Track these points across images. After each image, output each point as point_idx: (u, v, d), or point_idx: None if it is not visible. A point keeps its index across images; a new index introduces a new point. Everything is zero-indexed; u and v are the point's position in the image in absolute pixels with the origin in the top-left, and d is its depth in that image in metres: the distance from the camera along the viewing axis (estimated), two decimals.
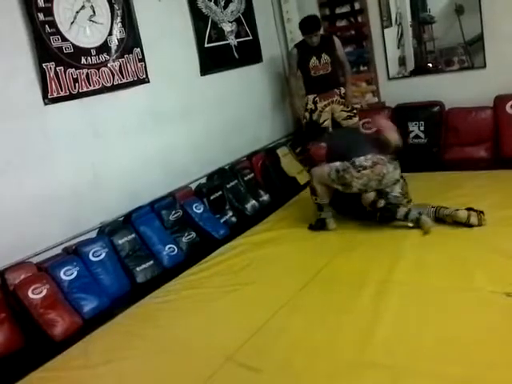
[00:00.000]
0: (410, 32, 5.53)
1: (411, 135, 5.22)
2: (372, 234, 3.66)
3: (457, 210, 3.48)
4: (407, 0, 5.49)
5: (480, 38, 4.95)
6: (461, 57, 5.27)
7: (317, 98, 4.89)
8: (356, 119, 4.99)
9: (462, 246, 3.21)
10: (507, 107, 4.81)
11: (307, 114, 4.96)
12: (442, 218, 3.53)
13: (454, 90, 5.06)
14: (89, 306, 3.26)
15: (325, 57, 4.79)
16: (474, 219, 3.41)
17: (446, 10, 5.35)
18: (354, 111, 4.99)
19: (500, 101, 4.85)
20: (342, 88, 4.91)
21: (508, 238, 3.20)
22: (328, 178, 3.74)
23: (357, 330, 2.56)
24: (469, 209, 3.47)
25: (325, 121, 4.91)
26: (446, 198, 3.95)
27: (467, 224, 3.40)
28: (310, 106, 4.92)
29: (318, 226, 3.91)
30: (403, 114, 5.28)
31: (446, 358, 2.23)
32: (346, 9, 5.48)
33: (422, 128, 5.17)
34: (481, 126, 4.91)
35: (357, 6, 5.41)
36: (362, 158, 3.65)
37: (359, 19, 5.42)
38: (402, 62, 5.63)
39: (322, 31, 4.88)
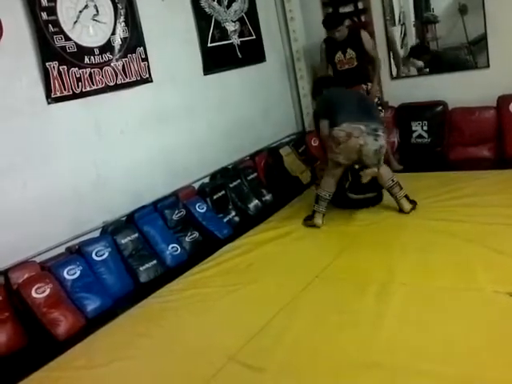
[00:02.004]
0: (414, 32, 5.51)
1: (414, 135, 5.21)
2: (374, 235, 3.67)
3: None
4: (411, 0, 5.47)
5: (483, 38, 4.94)
6: (464, 57, 5.25)
7: None
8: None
9: (464, 246, 3.20)
10: (511, 107, 4.80)
11: None
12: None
13: (458, 89, 5.05)
14: (92, 305, 3.26)
15: (350, 51, 4.79)
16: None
17: (450, 10, 5.31)
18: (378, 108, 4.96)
19: (503, 100, 4.84)
20: (369, 84, 4.89)
21: (506, 238, 3.20)
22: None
23: (359, 329, 2.56)
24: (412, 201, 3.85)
25: None
26: (450, 198, 3.96)
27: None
28: None
29: (309, 217, 3.98)
30: (406, 113, 5.28)
31: (448, 358, 2.22)
32: (349, 8, 5.46)
33: (425, 128, 5.16)
34: (484, 126, 4.90)
35: (360, 5, 5.40)
36: (336, 128, 3.75)
37: (362, 19, 5.40)
38: (405, 62, 5.60)
39: (345, 26, 4.86)
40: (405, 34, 5.56)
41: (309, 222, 4.01)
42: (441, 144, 5.12)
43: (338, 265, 3.33)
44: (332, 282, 3.13)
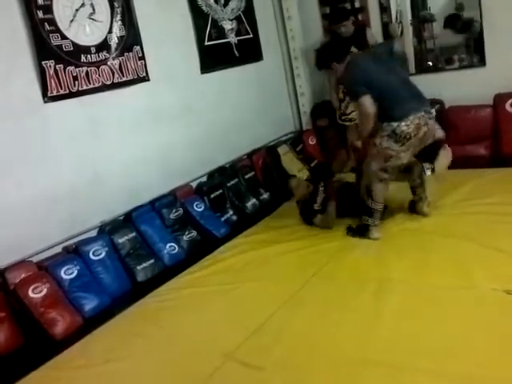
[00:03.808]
0: (411, 30, 5.51)
1: None
2: None
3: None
4: None
5: (480, 36, 4.95)
6: (461, 55, 5.26)
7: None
8: None
9: (462, 245, 3.20)
10: (507, 105, 4.80)
11: (338, 104, 4.97)
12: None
13: (454, 88, 5.04)
14: (89, 305, 3.25)
15: (354, 49, 4.78)
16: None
17: (447, 8, 5.33)
18: None
19: (500, 99, 4.85)
20: None
21: (508, 236, 3.20)
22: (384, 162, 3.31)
23: (358, 327, 2.56)
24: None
25: (352, 112, 4.87)
26: (446, 196, 3.97)
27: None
28: (340, 96, 4.90)
29: (360, 231, 3.57)
30: None
31: (447, 355, 2.22)
32: (347, 6, 5.46)
33: None
34: (481, 124, 4.90)
35: (357, 4, 5.40)
36: (403, 123, 3.22)
37: (360, 17, 5.40)
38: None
39: (351, 22, 4.86)
40: (402, 33, 5.57)
41: (362, 236, 3.55)
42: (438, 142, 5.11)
43: (336, 263, 3.33)
44: (330, 280, 3.13)
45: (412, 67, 5.39)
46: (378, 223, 3.53)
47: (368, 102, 3.23)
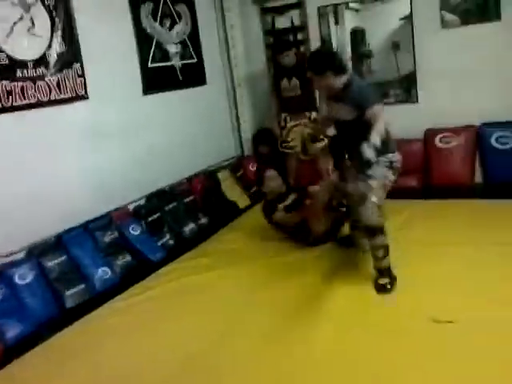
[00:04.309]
0: (350, 65, 5.71)
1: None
2: (309, 261, 3.69)
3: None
4: (347, 34, 5.68)
5: (413, 74, 5.21)
6: (396, 90, 5.50)
7: (287, 117, 4.98)
8: (323, 143, 5.01)
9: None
10: (436, 140, 5.06)
11: (279, 132, 5.06)
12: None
13: (390, 121, 5.22)
14: (11, 332, 3.07)
15: (294, 80, 4.87)
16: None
17: (384, 46, 5.56)
18: (321, 136, 5.02)
19: (430, 134, 5.11)
20: (313, 112, 4.98)
21: (434, 264, 3.35)
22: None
23: (294, 357, 2.56)
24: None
25: (292, 140, 4.98)
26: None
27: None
28: (282, 124, 5.01)
29: (392, 282, 3.13)
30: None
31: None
32: (289, 38, 5.60)
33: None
34: (412, 157, 5.08)
35: (300, 36, 5.56)
36: (396, 154, 3.23)
37: (302, 49, 5.55)
38: None
39: (294, 53, 4.92)
40: None
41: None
42: None
43: (269, 293, 3.30)
44: (264, 309, 3.10)
45: None
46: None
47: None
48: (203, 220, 4.71)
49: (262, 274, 3.61)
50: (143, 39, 4.69)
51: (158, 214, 4.38)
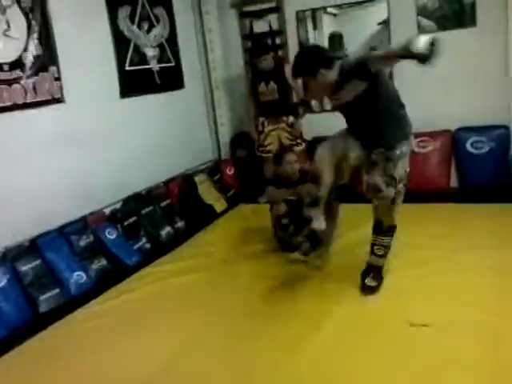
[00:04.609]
0: None
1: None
2: (282, 270, 3.68)
3: None
4: (326, 38, 5.73)
5: (390, 79, 5.26)
6: None
7: (265, 122, 5.01)
8: (300, 148, 5.02)
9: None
10: (413, 145, 5.07)
11: (256, 136, 5.09)
12: None
13: None
14: None
15: (272, 84, 4.89)
16: None
17: (361, 50, 5.62)
18: (298, 141, 5.07)
19: None
20: (290, 116, 5.00)
21: (410, 266, 3.37)
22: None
23: (270, 363, 2.58)
24: None
25: (270, 144, 5.01)
26: (355, 228, 4.10)
27: None
28: (259, 128, 5.03)
29: (379, 285, 3.17)
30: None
31: None
32: (267, 42, 5.63)
33: None
34: None
35: (278, 40, 5.59)
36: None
37: (279, 53, 5.58)
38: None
39: (271, 57, 4.96)
40: None
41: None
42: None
43: (246, 296, 3.33)
44: (239, 314, 3.11)
45: None
46: None
47: None
48: (180, 224, 4.71)
49: (238, 278, 3.62)
50: (121, 42, 4.67)
51: (134, 218, 4.36)
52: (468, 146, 4.97)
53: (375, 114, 2.91)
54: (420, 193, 4.95)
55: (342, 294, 3.17)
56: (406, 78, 5.15)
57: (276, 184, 4.05)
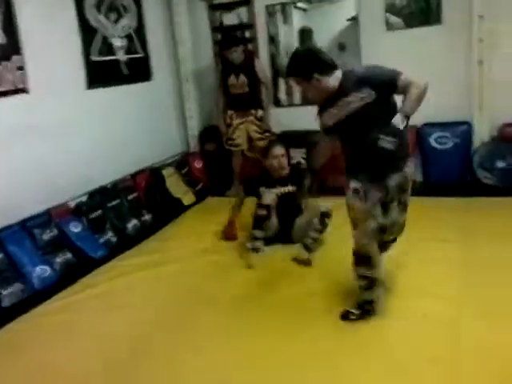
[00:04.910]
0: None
1: (293, 162, 5.44)
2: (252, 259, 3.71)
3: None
4: (295, 33, 5.75)
5: None
6: None
7: (234, 115, 4.99)
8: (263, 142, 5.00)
9: (328, 271, 3.38)
10: None
11: (225, 129, 5.07)
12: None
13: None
14: None
15: (242, 77, 4.88)
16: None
17: (331, 46, 5.66)
18: (267, 134, 5.07)
19: None
20: (259, 110, 5.00)
21: None
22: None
23: (234, 352, 2.60)
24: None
25: (238, 137, 5.02)
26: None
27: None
28: (228, 121, 5.02)
29: (362, 312, 2.80)
30: (287, 140, 5.47)
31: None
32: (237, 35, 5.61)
33: (303, 155, 5.41)
34: None
35: (247, 34, 5.58)
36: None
37: (249, 47, 5.57)
38: (289, 91, 5.85)
39: (242, 50, 4.95)
40: None
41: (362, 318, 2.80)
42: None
43: (215, 288, 3.35)
44: (208, 305, 3.13)
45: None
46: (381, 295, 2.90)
47: None
48: (147, 217, 4.67)
49: (205, 271, 3.63)
50: (87, 32, 4.58)
51: (100, 211, 4.31)
52: (432, 141, 5.07)
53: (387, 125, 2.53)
54: None
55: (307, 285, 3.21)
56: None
57: (266, 182, 3.92)
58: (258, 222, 3.76)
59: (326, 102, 2.66)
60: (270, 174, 3.92)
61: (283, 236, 3.86)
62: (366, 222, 2.66)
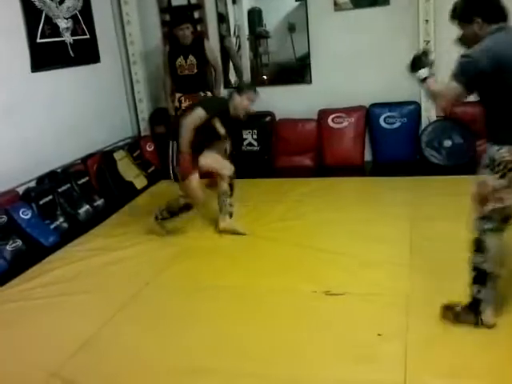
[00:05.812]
0: (247, 45, 5.78)
1: (245, 143, 5.50)
2: (206, 245, 3.74)
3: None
4: (245, 14, 5.74)
5: (307, 56, 5.38)
6: (291, 71, 5.65)
7: (182, 98, 4.89)
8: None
9: (286, 250, 3.47)
10: (329, 120, 5.29)
11: (174, 112, 4.94)
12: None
13: (285, 102, 5.41)
14: None
15: (191, 58, 4.80)
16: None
17: (280, 27, 5.69)
18: None
19: (323, 114, 5.33)
20: (208, 92, 4.94)
21: (326, 238, 3.58)
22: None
23: (188, 335, 2.63)
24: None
25: None
26: (277, 203, 4.24)
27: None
28: (176, 104, 4.91)
29: (473, 316, 2.38)
30: (238, 121, 5.50)
31: (273, 358, 2.38)
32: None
33: (254, 136, 5.47)
34: (306, 137, 5.33)
35: (196, 15, 5.52)
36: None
37: (198, 28, 5.52)
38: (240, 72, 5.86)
39: (191, 31, 4.81)
40: (239, 47, 5.82)
41: (469, 320, 2.40)
42: (269, 152, 5.46)
43: (169, 272, 3.36)
44: (164, 289, 3.15)
45: (248, 80, 5.66)
46: (492, 300, 2.41)
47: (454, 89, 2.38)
48: (99, 202, 4.61)
49: (160, 255, 3.64)
50: (31, 13, 4.44)
51: (50, 197, 4.22)
52: (381, 121, 5.20)
53: None
54: (336, 167, 5.17)
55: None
56: (321, 56, 5.31)
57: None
58: (181, 210, 3.83)
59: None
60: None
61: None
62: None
